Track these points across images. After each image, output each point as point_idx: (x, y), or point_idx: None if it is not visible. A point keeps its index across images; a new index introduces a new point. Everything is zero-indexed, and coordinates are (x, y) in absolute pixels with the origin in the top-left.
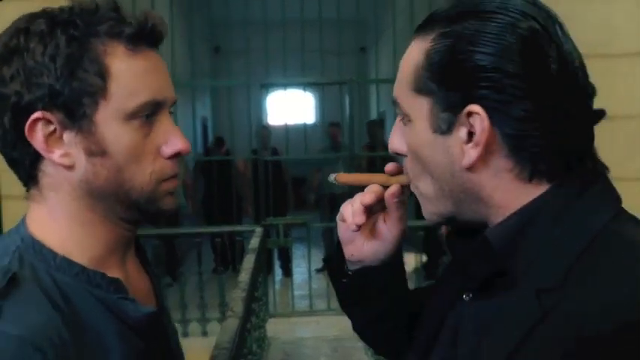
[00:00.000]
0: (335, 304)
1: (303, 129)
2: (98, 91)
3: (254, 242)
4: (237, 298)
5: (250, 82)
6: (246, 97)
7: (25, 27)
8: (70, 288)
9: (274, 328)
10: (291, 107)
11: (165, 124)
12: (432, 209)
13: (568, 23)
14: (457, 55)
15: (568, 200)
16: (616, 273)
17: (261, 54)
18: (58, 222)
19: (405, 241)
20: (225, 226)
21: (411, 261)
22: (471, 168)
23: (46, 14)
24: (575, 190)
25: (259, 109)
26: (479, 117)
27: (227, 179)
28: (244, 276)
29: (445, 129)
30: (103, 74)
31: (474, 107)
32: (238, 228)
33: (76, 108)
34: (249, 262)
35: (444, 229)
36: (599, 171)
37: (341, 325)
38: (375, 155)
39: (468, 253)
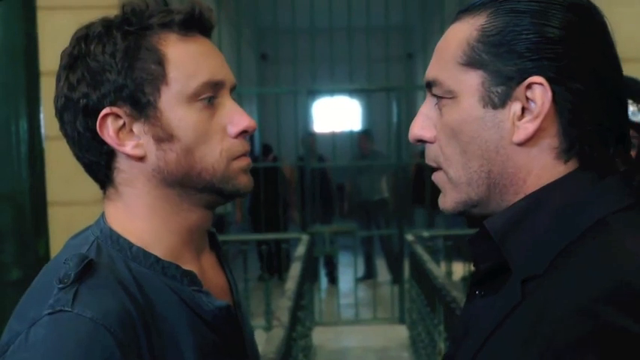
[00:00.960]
0: (381, 313)
1: (350, 136)
2: (158, 77)
3: (300, 250)
4: (283, 307)
5: (297, 89)
6: (292, 105)
7: (83, 34)
8: (146, 278)
9: (320, 336)
10: (337, 114)
11: (227, 104)
12: (457, 197)
13: None
14: (518, 26)
15: (579, 188)
16: (590, 264)
17: (308, 61)
18: (135, 215)
19: (454, 249)
20: (272, 233)
21: (459, 270)
22: (521, 144)
23: (101, 19)
24: (590, 178)
25: (306, 116)
26: (541, 88)
27: (274, 186)
28: (291, 284)
29: (498, 103)
30: (161, 61)
31: (537, 78)
32: (284, 235)
33: (140, 98)
34: (295, 270)
35: None
36: (626, 164)
37: (387, 335)
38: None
39: (473, 245)
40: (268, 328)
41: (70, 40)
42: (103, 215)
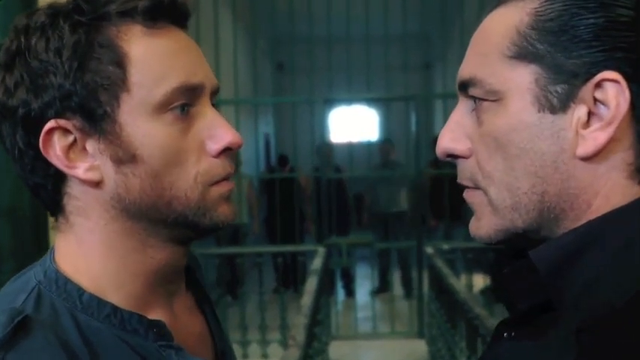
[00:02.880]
0: (399, 327)
1: (367, 146)
2: (117, 82)
3: (316, 263)
4: (298, 324)
5: (313, 98)
6: (309, 114)
7: (24, 25)
8: (98, 335)
9: (337, 350)
10: (355, 124)
11: (207, 115)
12: (498, 224)
13: None
14: (584, 9)
15: None
16: None
17: (324, 70)
18: (89, 253)
19: (474, 261)
20: (288, 245)
21: (479, 282)
22: (587, 158)
23: (47, 5)
24: None
25: (322, 126)
26: (616, 87)
27: (289, 197)
28: (307, 300)
29: (558, 106)
30: (120, 61)
31: (610, 74)
32: (300, 248)
33: (93, 108)
34: (311, 284)
35: None
36: None
37: (406, 350)
38: (442, 173)
39: (511, 279)
40: (284, 342)
41: (9, 32)
42: (51, 252)
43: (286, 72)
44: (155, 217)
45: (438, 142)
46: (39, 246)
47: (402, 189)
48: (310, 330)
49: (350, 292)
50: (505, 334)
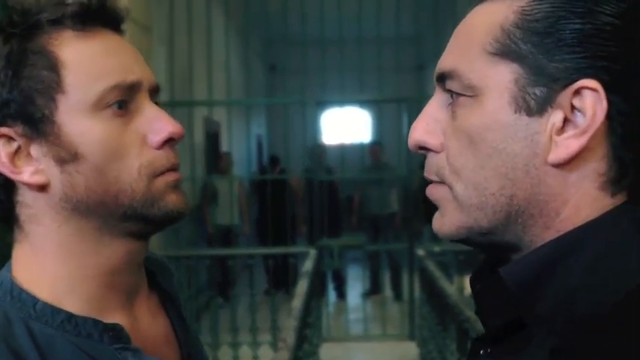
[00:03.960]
0: (391, 329)
1: (359, 148)
2: (52, 85)
3: (308, 265)
4: (289, 327)
5: (305, 99)
6: (301, 116)
7: None
8: (52, 342)
9: (329, 352)
10: (347, 126)
11: (147, 109)
12: (462, 221)
13: None
14: (573, 13)
15: (627, 232)
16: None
17: (317, 72)
18: (44, 260)
19: (465, 264)
20: (279, 247)
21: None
22: (558, 165)
23: None
24: None
25: (314, 128)
26: (594, 96)
27: (281, 198)
28: (297, 302)
29: (535, 108)
30: (53, 65)
31: (590, 82)
32: (291, 250)
33: (32, 112)
34: (302, 287)
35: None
36: None
37: (397, 352)
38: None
39: (483, 295)
40: (275, 344)
41: None
42: (9, 262)
43: (279, 73)
44: (105, 212)
45: (410, 133)
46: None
47: (393, 191)
48: (301, 332)
49: (341, 294)
50: (481, 352)
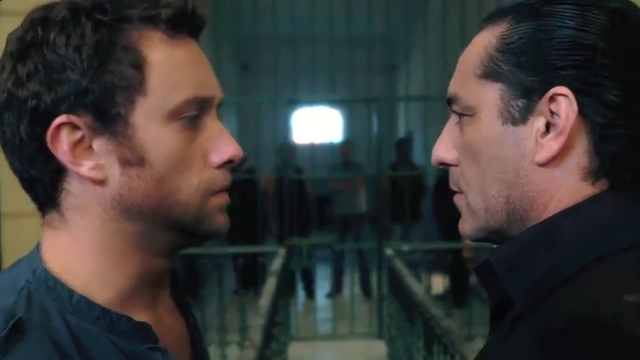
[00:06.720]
0: (359, 328)
1: (330, 147)
2: (135, 85)
3: (276, 264)
4: (256, 326)
5: (276, 98)
6: (273, 115)
7: (41, 16)
8: (89, 337)
9: (297, 351)
10: (318, 125)
11: (212, 127)
12: (476, 224)
13: None
14: (541, 32)
15: (598, 215)
16: (558, 314)
17: (289, 71)
18: (82, 252)
19: (434, 263)
20: (248, 246)
21: (438, 284)
22: (544, 164)
23: (67, 1)
24: (617, 203)
25: (286, 127)
26: (565, 100)
27: (251, 197)
28: (265, 301)
29: (519, 118)
30: (140, 65)
31: (561, 89)
32: (261, 249)
33: (108, 108)
34: (270, 285)
35: (466, 252)
36: None
37: (365, 350)
38: (400, 175)
39: (481, 275)
40: (242, 343)
41: (23, 22)
42: (38, 248)
43: (251, 72)
44: (154, 220)
45: (432, 152)
46: None
47: (362, 190)
48: (267, 331)
49: (310, 293)
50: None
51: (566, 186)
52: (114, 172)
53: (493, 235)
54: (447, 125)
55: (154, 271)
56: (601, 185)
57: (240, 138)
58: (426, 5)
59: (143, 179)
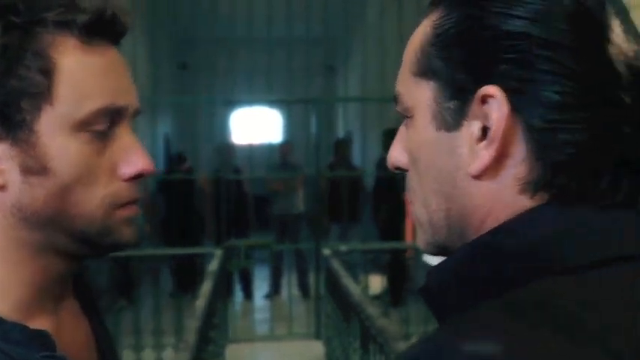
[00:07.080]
0: (297, 328)
1: (268, 148)
2: (42, 92)
3: (213, 265)
4: (191, 328)
5: (214, 98)
6: (210, 115)
7: None
8: None
9: (235, 353)
10: (257, 126)
11: (124, 138)
12: (424, 237)
13: None
14: (471, 19)
15: (529, 232)
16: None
17: (227, 71)
18: None
19: (371, 263)
20: (184, 248)
21: (376, 284)
22: (478, 176)
23: None
24: (551, 218)
25: (223, 127)
26: (495, 102)
27: (188, 198)
28: (200, 303)
29: (452, 123)
30: (49, 71)
31: (489, 89)
32: (197, 250)
33: (12, 113)
34: (206, 287)
35: (409, 252)
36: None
37: (303, 351)
38: (338, 175)
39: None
40: (178, 346)
41: None
42: None
43: (189, 72)
44: (54, 230)
45: (388, 155)
46: None
47: (300, 191)
48: (203, 333)
49: (248, 294)
50: None
51: (503, 203)
52: (14, 178)
53: (442, 251)
54: (401, 126)
55: (57, 278)
56: (541, 198)
57: (179, 138)
58: (365, 7)
59: (45, 188)
